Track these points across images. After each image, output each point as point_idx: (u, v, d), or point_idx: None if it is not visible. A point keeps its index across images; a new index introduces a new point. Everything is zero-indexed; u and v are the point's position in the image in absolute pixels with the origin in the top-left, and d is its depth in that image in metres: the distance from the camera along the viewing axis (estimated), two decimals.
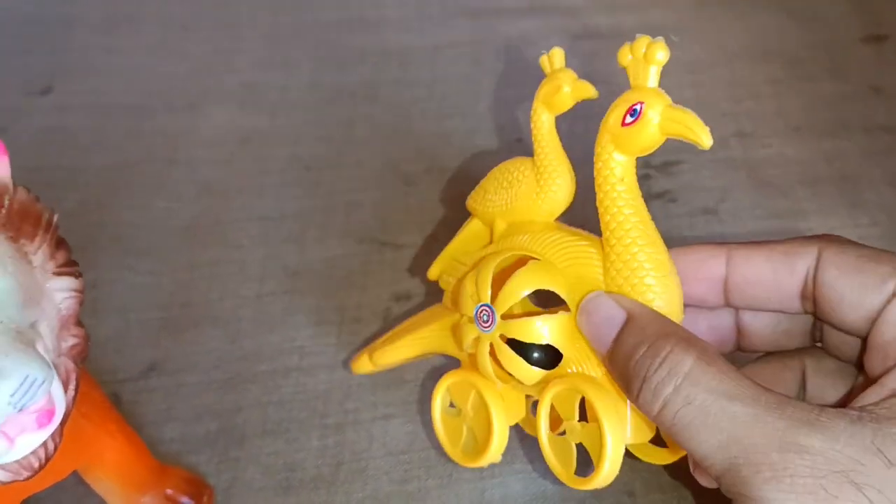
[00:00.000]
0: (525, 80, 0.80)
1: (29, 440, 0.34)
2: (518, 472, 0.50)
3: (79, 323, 0.37)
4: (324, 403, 0.55)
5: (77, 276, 0.37)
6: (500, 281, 0.43)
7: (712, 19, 0.87)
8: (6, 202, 0.34)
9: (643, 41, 0.37)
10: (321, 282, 0.62)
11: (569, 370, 0.42)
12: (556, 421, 0.42)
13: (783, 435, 0.33)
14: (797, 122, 0.74)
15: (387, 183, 0.70)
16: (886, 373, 0.36)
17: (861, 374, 0.40)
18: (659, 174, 0.69)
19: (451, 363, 0.51)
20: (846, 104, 0.76)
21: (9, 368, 0.31)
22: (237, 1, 0.93)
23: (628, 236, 0.39)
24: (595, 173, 0.41)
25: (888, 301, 0.37)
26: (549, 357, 0.42)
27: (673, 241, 0.41)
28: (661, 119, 0.37)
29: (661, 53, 0.37)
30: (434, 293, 0.54)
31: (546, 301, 0.45)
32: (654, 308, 0.39)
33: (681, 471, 0.46)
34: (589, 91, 0.42)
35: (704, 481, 0.41)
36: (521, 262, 0.43)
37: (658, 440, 0.42)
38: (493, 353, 0.43)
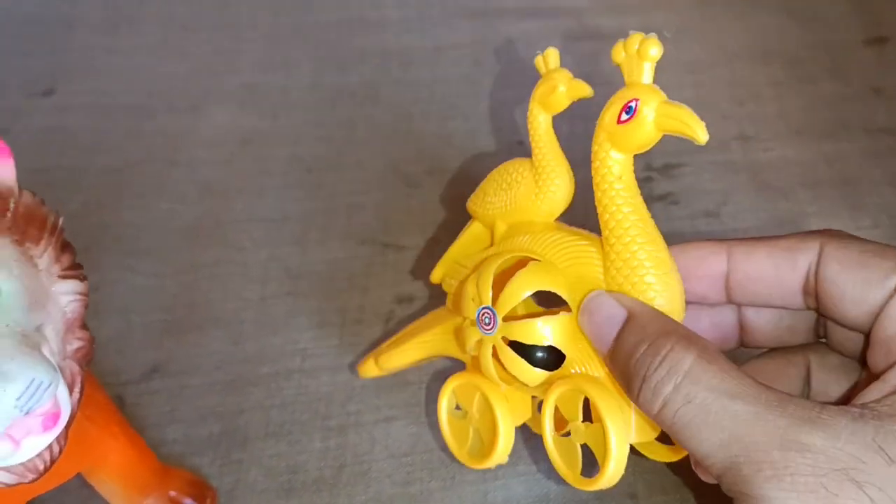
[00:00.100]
0: (526, 81, 0.80)
1: (34, 443, 0.34)
2: (521, 475, 0.50)
3: (84, 326, 0.37)
4: (326, 405, 0.55)
5: (82, 279, 0.37)
6: (501, 283, 0.43)
7: (713, 20, 0.87)
8: (11, 206, 0.34)
9: (636, 38, 0.37)
10: (323, 284, 0.62)
11: (572, 371, 0.42)
12: (561, 422, 0.42)
13: (784, 433, 0.33)
14: (798, 125, 0.74)
15: (388, 184, 0.70)
16: (889, 369, 0.36)
17: (864, 369, 0.40)
18: (660, 176, 0.69)
19: (456, 366, 0.51)
20: (847, 106, 0.76)
21: (15, 372, 0.31)
22: (238, 1, 0.93)
23: (627, 234, 0.39)
24: (592, 172, 0.40)
25: (890, 296, 0.37)
26: (553, 357, 0.42)
27: (674, 243, 0.41)
28: (656, 115, 0.37)
29: (655, 49, 0.37)
30: (437, 295, 0.54)
31: (548, 302, 0.45)
32: (656, 306, 0.39)
33: (683, 469, 0.46)
34: (584, 90, 0.42)
35: (706, 478, 0.40)
36: (522, 263, 0.43)
37: (664, 438, 0.41)
38: (495, 356, 0.43)
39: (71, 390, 0.35)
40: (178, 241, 0.66)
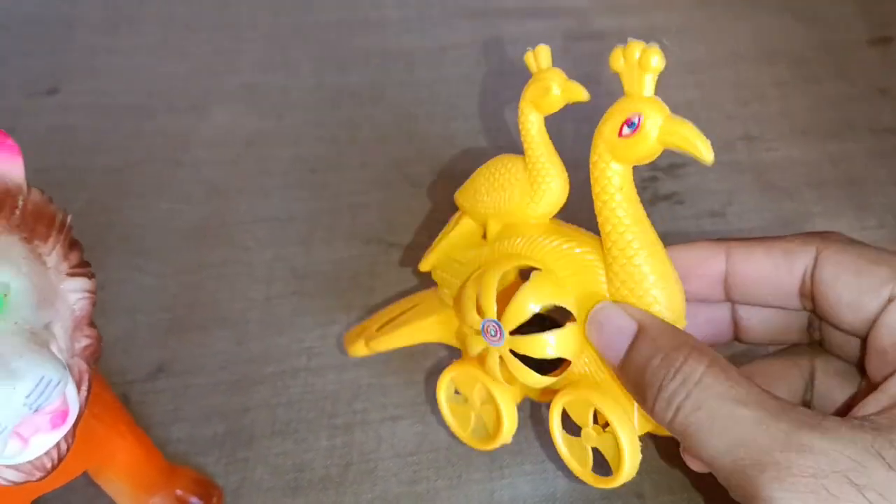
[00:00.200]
0: (527, 81, 0.80)
1: (43, 441, 0.34)
2: (528, 474, 0.50)
3: (91, 324, 0.37)
4: (332, 404, 0.55)
5: (90, 276, 0.37)
6: (502, 292, 0.43)
7: (716, 20, 0.87)
8: (20, 203, 0.34)
9: (636, 46, 0.36)
10: (328, 283, 0.62)
11: (577, 370, 0.43)
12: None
13: (787, 436, 0.33)
14: (803, 125, 0.74)
15: (392, 184, 0.70)
16: (886, 380, 0.36)
17: (863, 376, 0.40)
18: (666, 176, 0.69)
19: (454, 352, 0.51)
20: (852, 106, 0.76)
21: (24, 369, 0.31)
22: (239, 1, 0.93)
23: (630, 248, 0.39)
24: (592, 182, 0.40)
25: (885, 306, 0.37)
26: (555, 358, 0.42)
27: (678, 243, 0.41)
28: (660, 132, 0.37)
29: (656, 59, 0.36)
30: None
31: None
32: (658, 311, 0.39)
33: (691, 470, 0.46)
34: (580, 93, 0.41)
35: (695, 466, 0.42)
36: (523, 271, 0.44)
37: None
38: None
39: (79, 388, 0.35)
40: (183, 241, 0.66)
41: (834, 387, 0.42)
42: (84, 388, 0.36)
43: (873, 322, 0.38)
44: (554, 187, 0.43)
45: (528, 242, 0.43)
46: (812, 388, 0.43)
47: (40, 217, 0.35)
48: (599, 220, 0.40)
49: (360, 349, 0.53)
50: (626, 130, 0.37)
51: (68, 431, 0.35)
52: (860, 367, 0.40)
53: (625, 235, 0.39)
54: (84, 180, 0.71)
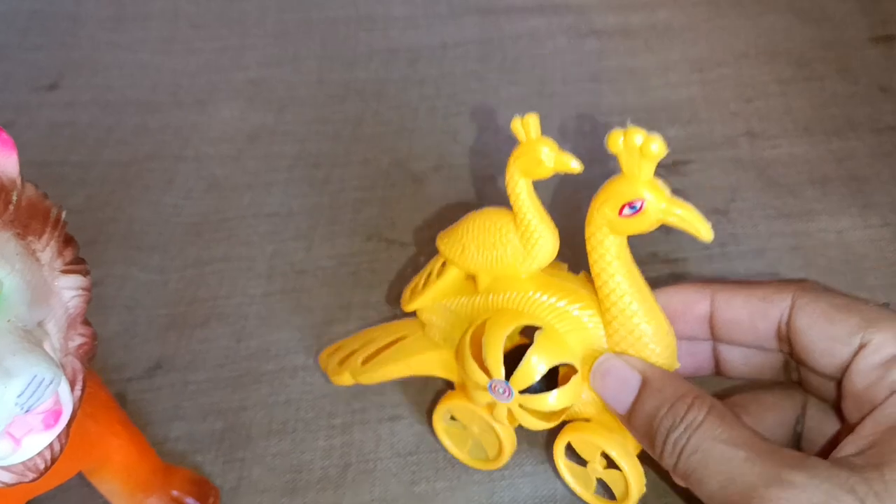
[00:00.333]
0: (532, 79, 0.80)
1: (35, 441, 0.33)
2: (527, 475, 0.50)
3: (86, 322, 0.37)
4: (331, 403, 0.54)
5: (85, 273, 0.36)
6: (481, 334, 0.45)
7: (720, 18, 0.87)
8: (14, 199, 0.33)
9: (636, 133, 0.37)
10: (329, 280, 0.62)
11: (580, 409, 0.45)
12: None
13: (771, 474, 0.36)
14: (806, 122, 0.74)
15: (395, 180, 0.70)
16: (861, 422, 0.38)
17: (840, 417, 0.42)
18: (668, 173, 0.68)
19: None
20: (855, 104, 0.75)
21: (17, 368, 0.30)
22: None
23: (629, 309, 0.41)
24: (588, 249, 0.41)
25: (856, 353, 0.39)
26: (548, 381, 0.43)
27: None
28: (662, 214, 0.38)
29: (657, 146, 0.37)
30: None
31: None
32: (655, 359, 0.42)
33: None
34: (571, 166, 0.40)
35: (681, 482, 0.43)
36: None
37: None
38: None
39: (72, 387, 0.35)
40: (184, 237, 0.65)
41: (824, 420, 0.43)
42: (78, 387, 0.36)
43: (846, 368, 0.40)
44: (546, 247, 0.43)
45: (526, 299, 0.44)
46: (804, 420, 0.45)
47: (34, 213, 0.34)
48: (597, 282, 0.42)
49: (345, 380, 0.53)
50: (627, 211, 0.38)
51: (62, 432, 0.34)
52: (836, 408, 0.42)
53: (623, 298, 0.41)
54: (86, 175, 0.71)
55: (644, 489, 0.45)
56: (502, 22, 0.88)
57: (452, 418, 0.50)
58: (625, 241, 0.41)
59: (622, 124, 0.38)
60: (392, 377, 0.52)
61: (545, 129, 0.72)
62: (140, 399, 0.55)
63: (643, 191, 0.38)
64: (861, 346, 0.39)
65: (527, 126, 0.40)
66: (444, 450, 0.51)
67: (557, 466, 0.48)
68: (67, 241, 0.36)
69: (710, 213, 0.64)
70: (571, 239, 0.45)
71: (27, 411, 0.31)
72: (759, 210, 0.66)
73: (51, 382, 0.31)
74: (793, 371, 0.45)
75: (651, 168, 0.38)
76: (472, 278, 0.46)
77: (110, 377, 0.55)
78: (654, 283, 0.42)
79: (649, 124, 0.73)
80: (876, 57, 0.81)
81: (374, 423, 0.53)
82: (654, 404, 0.40)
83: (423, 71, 0.82)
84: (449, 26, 0.88)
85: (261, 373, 0.56)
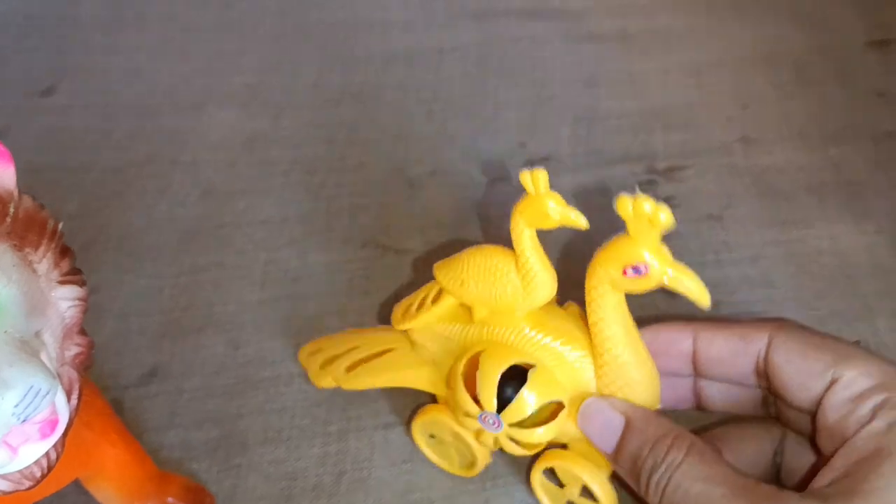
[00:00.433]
0: (529, 83, 0.80)
1: (32, 450, 0.34)
2: (522, 482, 0.50)
3: (83, 331, 0.37)
4: (326, 411, 0.54)
5: (81, 284, 0.36)
6: (474, 363, 0.46)
7: (716, 23, 0.87)
8: (11, 211, 0.33)
9: (645, 201, 0.38)
10: (324, 287, 0.62)
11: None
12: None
13: None
14: (802, 128, 0.74)
15: (390, 186, 0.70)
16: (833, 455, 0.40)
17: (815, 450, 0.43)
18: (663, 179, 0.69)
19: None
20: (852, 110, 0.76)
21: (13, 379, 0.30)
22: (241, 2, 0.93)
23: (621, 357, 0.43)
24: (587, 299, 0.42)
25: (828, 389, 0.41)
26: (519, 387, 0.44)
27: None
28: (664, 279, 0.39)
29: (665, 216, 0.37)
30: None
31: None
32: (641, 401, 0.44)
33: None
34: (578, 222, 0.41)
35: None
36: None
37: None
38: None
39: (69, 396, 0.35)
40: (179, 243, 0.65)
41: (802, 452, 0.45)
42: (74, 396, 0.36)
43: (819, 402, 0.41)
44: (544, 291, 0.44)
45: (520, 336, 0.45)
46: (783, 452, 0.46)
47: (31, 224, 0.34)
48: (593, 329, 0.43)
49: (327, 383, 0.53)
50: (630, 273, 0.39)
51: (58, 441, 0.34)
52: (812, 441, 0.43)
53: (617, 347, 0.42)
54: (81, 181, 0.71)
55: None
56: (499, 26, 0.88)
57: (432, 436, 0.51)
58: (623, 295, 0.42)
59: (631, 188, 0.38)
60: (377, 386, 0.53)
61: (541, 134, 0.72)
62: (135, 407, 0.55)
63: (649, 257, 0.39)
64: (833, 382, 0.41)
65: (536, 180, 0.41)
66: None
67: (533, 486, 0.49)
68: (64, 252, 0.36)
69: (704, 219, 0.65)
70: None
71: (24, 421, 0.31)
72: (754, 217, 0.66)
73: (47, 393, 0.31)
74: (771, 405, 0.47)
75: (658, 235, 0.38)
76: (466, 306, 0.47)
77: (106, 384, 0.55)
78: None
79: (645, 129, 0.73)
80: (873, 62, 0.81)
81: (370, 430, 0.53)
82: (637, 444, 0.42)
83: (420, 75, 0.82)
84: (446, 31, 0.88)
85: (256, 380, 0.56)
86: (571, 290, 0.45)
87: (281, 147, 0.74)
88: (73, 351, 0.36)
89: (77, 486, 0.44)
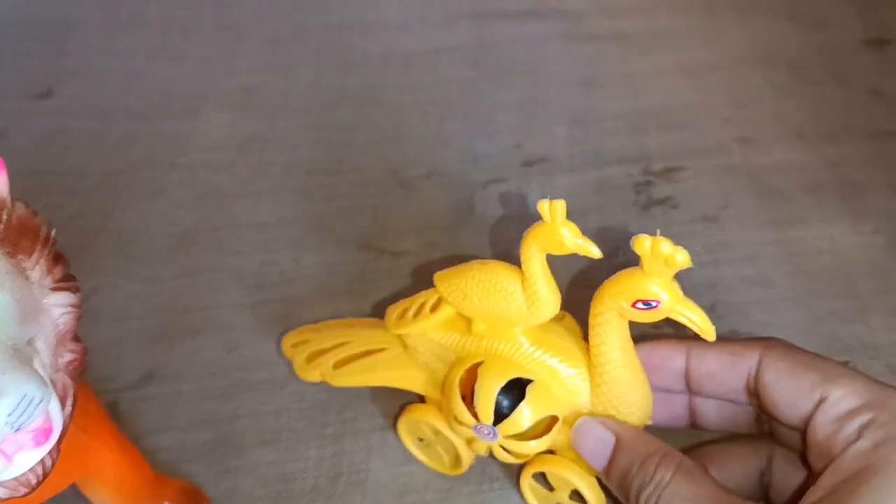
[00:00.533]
0: (526, 84, 0.80)
1: (26, 458, 0.34)
2: (517, 485, 0.50)
3: (76, 338, 0.37)
4: (322, 412, 0.54)
5: (75, 290, 0.36)
6: (473, 372, 0.46)
7: (715, 23, 0.87)
8: (4, 217, 0.33)
9: (663, 242, 0.38)
10: (320, 289, 0.62)
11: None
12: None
13: None
14: (799, 128, 0.74)
15: (387, 188, 0.70)
16: (822, 472, 0.40)
17: (807, 467, 0.44)
18: (660, 180, 0.69)
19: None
20: (849, 109, 0.76)
21: (6, 387, 0.30)
22: (237, 4, 0.93)
23: (620, 378, 0.43)
24: (591, 322, 0.43)
25: (816, 407, 0.41)
26: (516, 400, 0.45)
27: (646, 342, 0.42)
28: (674, 314, 0.40)
29: (682, 258, 0.38)
30: None
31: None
32: (633, 420, 0.45)
33: None
34: (592, 252, 0.41)
35: None
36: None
37: None
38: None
39: (63, 403, 0.35)
40: (175, 246, 0.65)
41: (792, 470, 0.45)
42: (69, 402, 0.36)
43: (808, 420, 0.42)
44: (548, 311, 0.44)
45: (519, 351, 0.46)
46: (771, 470, 0.47)
47: (24, 231, 0.34)
48: (594, 350, 0.43)
49: (312, 377, 0.53)
50: (640, 306, 0.40)
51: (52, 448, 0.34)
52: (803, 458, 0.44)
53: (616, 369, 0.43)
54: (77, 184, 0.71)
55: None
56: (496, 27, 0.88)
57: (420, 439, 0.52)
58: (627, 322, 0.42)
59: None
60: (365, 385, 0.53)
61: (538, 135, 0.72)
62: (131, 409, 0.55)
63: (662, 293, 0.40)
64: (821, 401, 0.41)
65: (553, 210, 0.41)
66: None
67: (523, 490, 0.50)
68: (57, 258, 0.36)
69: (701, 219, 0.65)
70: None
71: (17, 430, 0.31)
72: (751, 217, 0.66)
73: (41, 401, 0.31)
74: (764, 423, 0.47)
75: (672, 274, 0.39)
76: (464, 317, 0.47)
77: (101, 387, 0.55)
78: None
79: (642, 129, 0.73)
80: (870, 61, 0.81)
81: (366, 432, 0.53)
82: (626, 462, 0.43)
83: (417, 77, 0.82)
84: (443, 32, 0.88)
85: (252, 382, 0.56)
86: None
87: (277, 149, 0.74)
88: (66, 358, 0.36)
89: (74, 490, 0.44)
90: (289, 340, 0.55)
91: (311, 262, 0.64)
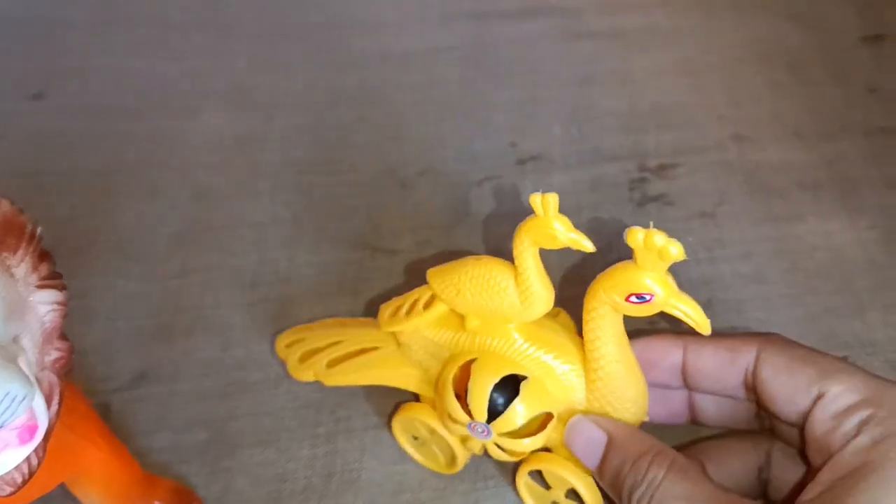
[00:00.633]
0: (522, 83, 0.80)
1: (11, 456, 0.33)
2: (512, 483, 0.50)
3: (63, 336, 0.36)
4: (316, 412, 0.54)
5: (61, 288, 0.36)
6: (467, 369, 0.46)
7: (712, 21, 0.87)
8: None
9: (657, 234, 0.38)
10: (314, 288, 0.62)
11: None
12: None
13: None
14: (795, 125, 0.74)
15: (382, 187, 0.70)
16: (821, 468, 0.40)
17: (806, 463, 0.44)
18: (655, 177, 0.69)
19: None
20: (846, 106, 0.75)
21: None
22: (232, 2, 0.92)
23: (615, 373, 0.43)
24: (585, 317, 0.43)
25: (814, 402, 0.41)
26: (510, 397, 0.44)
27: (643, 337, 0.42)
28: (668, 307, 0.40)
29: (676, 250, 0.38)
30: None
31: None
32: (629, 417, 0.44)
33: None
34: (585, 246, 0.41)
35: None
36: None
37: None
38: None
39: (49, 402, 0.35)
40: (169, 246, 0.65)
41: (789, 467, 0.45)
42: (55, 401, 0.35)
43: (807, 416, 0.42)
44: (542, 307, 0.44)
45: (513, 348, 0.45)
46: (769, 466, 0.46)
47: (9, 228, 0.34)
48: (588, 346, 0.43)
49: (306, 377, 0.53)
50: (634, 300, 0.40)
51: (38, 446, 0.34)
52: (802, 454, 0.44)
53: (611, 364, 0.43)
54: (71, 184, 0.70)
55: None
56: (493, 26, 0.88)
57: (415, 438, 0.52)
58: (621, 316, 0.42)
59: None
60: (359, 384, 0.53)
61: (533, 133, 0.72)
62: (124, 410, 0.54)
63: (656, 287, 0.39)
64: (819, 397, 0.41)
65: (546, 204, 0.41)
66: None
67: (519, 488, 0.49)
68: (43, 255, 0.36)
69: (697, 216, 0.64)
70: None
71: (1, 427, 0.31)
72: (747, 213, 0.66)
73: (24, 399, 0.31)
74: (765, 419, 0.47)
75: (666, 267, 0.39)
76: (458, 314, 0.47)
77: (95, 388, 0.55)
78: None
79: (638, 127, 0.73)
80: (866, 58, 0.81)
81: (360, 431, 0.53)
82: (618, 461, 0.42)
83: (414, 76, 0.82)
84: (439, 31, 0.88)
85: (246, 382, 0.56)
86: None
87: (272, 149, 0.74)
88: (52, 356, 0.36)
89: (63, 490, 0.43)
90: (282, 341, 0.55)
91: (307, 262, 0.64)
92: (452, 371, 0.46)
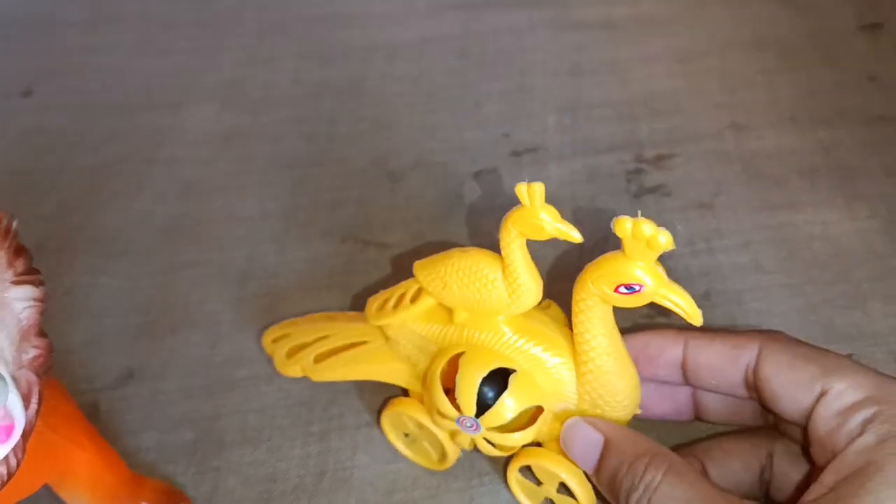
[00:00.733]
0: (512, 73, 0.79)
1: None
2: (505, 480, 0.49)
3: (41, 333, 0.35)
4: (307, 410, 0.53)
5: (38, 284, 0.35)
6: (455, 363, 0.45)
7: (704, 9, 0.86)
8: None
9: (645, 223, 0.37)
10: (304, 283, 0.61)
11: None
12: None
13: None
14: (792, 113, 0.73)
15: (371, 180, 0.69)
16: (824, 468, 0.39)
17: (809, 461, 0.43)
18: (652, 168, 0.68)
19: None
20: (842, 93, 0.74)
21: None
22: None
23: (605, 366, 0.42)
24: (574, 309, 0.42)
25: (817, 400, 0.41)
26: (499, 391, 0.44)
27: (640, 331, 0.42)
28: (658, 297, 0.39)
29: (664, 239, 0.37)
30: None
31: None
32: (620, 410, 0.44)
33: None
34: (572, 236, 0.40)
35: None
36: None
37: None
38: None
39: (28, 401, 0.34)
40: (156, 242, 0.64)
41: (791, 467, 0.45)
42: (34, 400, 0.34)
43: (810, 414, 0.41)
44: (530, 299, 0.43)
45: (501, 341, 0.45)
46: (771, 467, 0.46)
47: None
48: (578, 338, 0.43)
49: (294, 372, 0.52)
50: (623, 290, 0.39)
51: (17, 445, 0.33)
52: (806, 452, 0.43)
53: (601, 356, 0.42)
54: (58, 181, 0.70)
55: None
56: (482, 16, 0.87)
57: (406, 434, 0.51)
58: (610, 307, 0.41)
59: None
60: (347, 379, 0.52)
61: (526, 124, 0.71)
62: (112, 409, 0.54)
63: (645, 277, 0.38)
64: (822, 394, 0.40)
65: (532, 193, 0.40)
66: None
67: (510, 484, 0.49)
68: (19, 251, 0.35)
69: (694, 206, 0.64)
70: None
71: None
72: (744, 203, 0.65)
73: None
74: (769, 415, 0.46)
75: (655, 256, 0.38)
76: (446, 307, 0.46)
77: (81, 387, 0.54)
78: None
79: (633, 117, 0.72)
80: (863, 45, 0.80)
81: (352, 429, 0.52)
82: (615, 464, 0.42)
83: (402, 67, 0.81)
84: (427, 22, 0.87)
85: (234, 379, 0.55)
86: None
87: (259, 143, 0.73)
88: (31, 354, 0.35)
89: (48, 491, 0.42)
90: (269, 336, 0.54)
91: (296, 256, 0.63)
92: (440, 365, 0.46)
